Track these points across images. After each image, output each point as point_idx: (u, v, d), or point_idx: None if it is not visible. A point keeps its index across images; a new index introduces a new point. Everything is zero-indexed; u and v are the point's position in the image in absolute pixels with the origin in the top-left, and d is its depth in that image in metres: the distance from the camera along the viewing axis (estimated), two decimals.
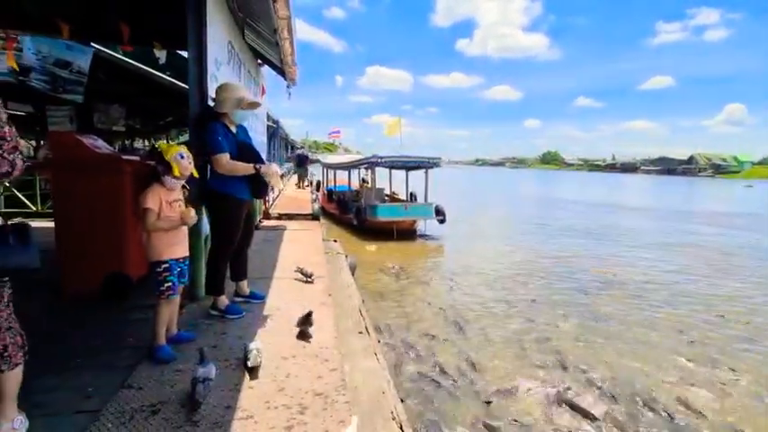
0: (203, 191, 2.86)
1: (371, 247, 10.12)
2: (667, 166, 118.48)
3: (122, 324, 2.62)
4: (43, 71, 6.15)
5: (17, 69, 5.79)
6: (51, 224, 3.28)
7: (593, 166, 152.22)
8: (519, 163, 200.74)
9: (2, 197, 6.65)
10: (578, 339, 5.07)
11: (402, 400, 2.58)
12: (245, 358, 2.11)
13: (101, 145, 3.24)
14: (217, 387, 1.91)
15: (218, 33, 3.26)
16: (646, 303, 6.60)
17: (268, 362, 2.19)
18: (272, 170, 2.83)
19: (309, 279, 3.76)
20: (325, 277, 3.93)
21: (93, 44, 5.61)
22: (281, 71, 5.77)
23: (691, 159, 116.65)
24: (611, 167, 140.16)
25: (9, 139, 1.27)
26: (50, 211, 6.07)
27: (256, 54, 5.43)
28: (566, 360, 4.50)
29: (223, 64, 3.40)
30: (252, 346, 2.17)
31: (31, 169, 6.40)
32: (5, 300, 1.48)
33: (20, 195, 6.64)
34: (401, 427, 2.08)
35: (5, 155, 1.26)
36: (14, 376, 1.50)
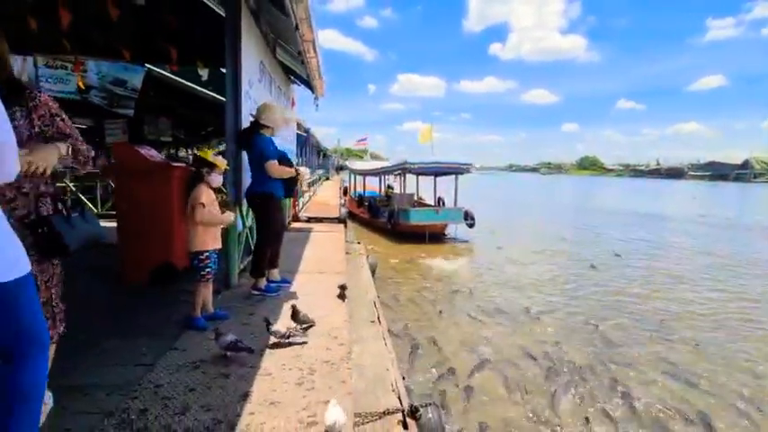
0: (247, 194, 3.52)
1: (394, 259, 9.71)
2: (718, 171, 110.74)
3: (169, 304, 3.13)
4: (102, 89, 7.02)
5: (83, 88, 6.66)
6: (110, 224, 3.86)
7: (635, 172, 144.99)
8: (555, 168, 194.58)
9: (69, 199, 7.57)
10: None
11: (403, 378, 2.90)
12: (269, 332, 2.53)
13: (154, 154, 3.81)
14: (245, 354, 2.33)
15: (251, 55, 3.75)
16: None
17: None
18: (304, 171, 3.74)
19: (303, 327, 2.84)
20: (343, 273, 4.32)
21: (146, 64, 6.35)
22: (309, 85, 6.28)
23: (745, 164, 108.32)
24: (656, 173, 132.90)
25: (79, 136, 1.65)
26: (109, 212, 6.88)
27: (287, 70, 5.97)
28: None
29: (255, 82, 3.89)
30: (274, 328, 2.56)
31: (95, 175, 7.25)
32: (54, 280, 1.61)
33: (83, 198, 7.53)
34: (399, 398, 2.41)
35: (84, 145, 1.65)
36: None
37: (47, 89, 6.10)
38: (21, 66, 5.94)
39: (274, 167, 3.37)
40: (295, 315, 2.73)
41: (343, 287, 3.56)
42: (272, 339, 2.50)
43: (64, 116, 1.64)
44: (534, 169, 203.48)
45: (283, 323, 2.68)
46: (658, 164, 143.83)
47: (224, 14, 3.46)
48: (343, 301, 3.43)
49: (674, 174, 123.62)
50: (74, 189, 7.73)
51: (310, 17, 3.51)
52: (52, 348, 1.61)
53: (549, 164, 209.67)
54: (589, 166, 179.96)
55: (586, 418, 3.49)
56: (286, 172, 3.49)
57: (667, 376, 4.27)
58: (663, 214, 21.63)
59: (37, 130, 1.54)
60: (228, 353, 2.25)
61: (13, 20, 4.28)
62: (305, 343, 2.54)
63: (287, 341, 2.49)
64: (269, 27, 4.63)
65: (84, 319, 2.70)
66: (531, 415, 3.56)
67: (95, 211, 7.41)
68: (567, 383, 4.03)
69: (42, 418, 1.40)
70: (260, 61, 4.19)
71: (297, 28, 3.47)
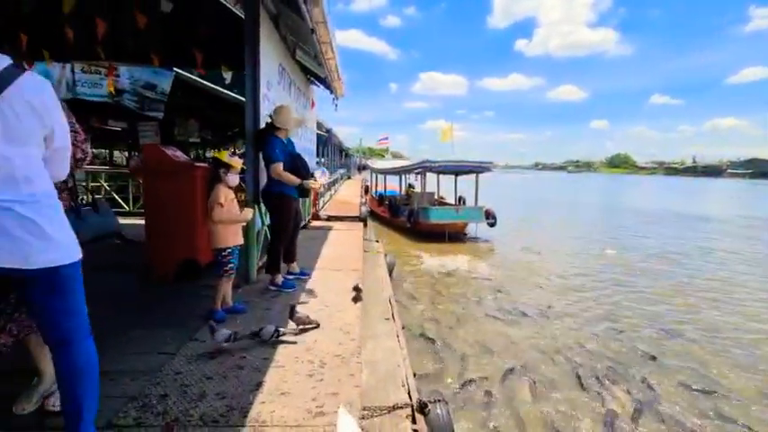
0: (262, 193, 3.62)
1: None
2: (760, 169, 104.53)
3: (192, 297, 3.28)
4: (134, 93, 7.37)
5: (114, 93, 7.01)
6: (141, 221, 4.07)
7: (669, 170, 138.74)
8: (583, 166, 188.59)
9: (104, 198, 8.00)
10: None
11: (414, 375, 2.94)
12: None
13: (179, 154, 3.99)
14: (258, 346, 2.43)
15: (270, 58, 3.87)
16: None
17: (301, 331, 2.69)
18: (311, 185, 3.71)
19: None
20: (360, 270, 4.39)
21: (174, 68, 6.63)
22: (329, 86, 6.39)
23: None
24: (692, 171, 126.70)
25: (80, 132, 1.75)
26: (139, 210, 7.23)
27: (306, 71, 6.10)
28: None
29: (274, 85, 4.01)
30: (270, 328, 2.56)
31: (128, 174, 7.63)
32: None
33: (116, 197, 7.94)
34: (409, 393, 2.45)
35: (80, 144, 1.73)
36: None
37: (83, 93, 6.48)
38: (60, 72, 6.33)
39: (278, 169, 3.43)
40: (292, 314, 2.69)
41: (357, 289, 3.57)
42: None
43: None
44: (561, 167, 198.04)
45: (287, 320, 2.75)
46: (694, 161, 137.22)
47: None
48: (356, 303, 3.40)
49: (712, 171, 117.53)
50: (108, 188, 8.15)
51: (327, 20, 3.60)
52: None
53: (578, 162, 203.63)
54: (620, 163, 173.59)
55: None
56: (290, 180, 3.49)
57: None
58: (700, 214, 20.63)
59: None
60: (226, 344, 2.34)
61: (53, 31, 4.58)
62: (294, 343, 2.54)
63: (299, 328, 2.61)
64: (288, 30, 4.75)
65: (113, 310, 2.89)
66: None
67: (127, 208, 7.81)
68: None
69: None
70: (279, 64, 4.31)
71: (313, 31, 3.56)
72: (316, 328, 2.75)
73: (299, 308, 2.82)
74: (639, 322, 5.84)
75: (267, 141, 3.47)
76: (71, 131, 1.58)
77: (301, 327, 2.70)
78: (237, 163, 2.96)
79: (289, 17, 4.28)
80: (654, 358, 4.72)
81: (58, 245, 1.33)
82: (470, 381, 4.12)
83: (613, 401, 3.84)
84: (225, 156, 2.92)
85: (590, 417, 3.61)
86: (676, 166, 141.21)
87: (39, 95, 1.31)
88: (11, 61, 1.29)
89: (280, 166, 3.44)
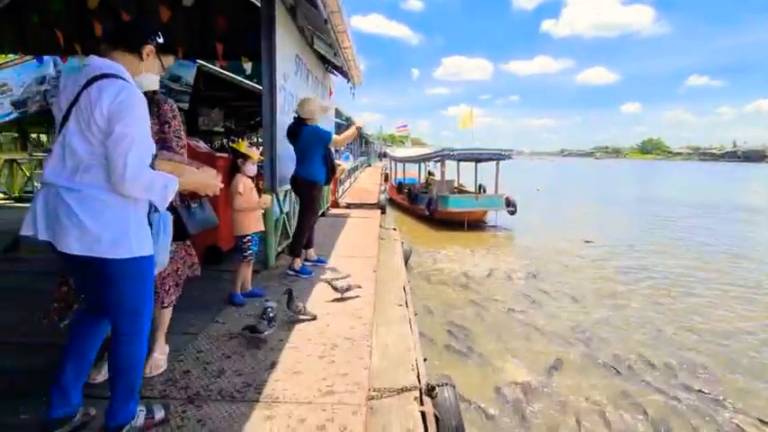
0: (292, 180, 3.86)
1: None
2: None
3: (215, 282, 3.46)
4: (162, 85, 7.61)
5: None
6: None
7: (705, 155, 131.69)
8: (612, 152, 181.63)
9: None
10: None
11: (425, 359, 3.02)
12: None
13: (201, 145, 4.15)
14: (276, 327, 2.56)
15: (286, 49, 3.95)
16: None
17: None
18: (343, 165, 4.18)
19: (342, 296, 3.20)
20: (374, 257, 4.48)
21: (197, 60, 6.80)
22: (345, 74, 6.42)
23: None
24: (730, 156, 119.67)
25: (183, 139, 2.06)
26: None
27: (325, 60, 6.14)
28: None
29: (291, 76, 4.09)
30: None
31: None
32: (181, 254, 2.12)
33: None
34: (418, 377, 2.54)
35: (179, 150, 2.03)
36: (167, 313, 2.12)
37: None
38: None
39: (338, 139, 3.94)
40: (289, 302, 2.70)
41: (347, 289, 3.24)
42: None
43: (171, 122, 2.04)
44: (589, 154, 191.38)
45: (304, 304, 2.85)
46: (735, 146, 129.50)
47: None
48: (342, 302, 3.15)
49: (753, 157, 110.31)
50: None
51: (341, 9, 3.62)
52: (170, 310, 2.13)
53: (607, 148, 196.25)
54: (652, 149, 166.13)
55: None
56: (349, 134, 4.01)
57: None
58: (737, 203, 19.56)
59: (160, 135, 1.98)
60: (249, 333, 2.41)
61: (83, 26, 4.79)
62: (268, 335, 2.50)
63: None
64: (306, 20, 4.80)
65: None
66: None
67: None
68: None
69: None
70: (296, 55, 4.37)
71: (326, 22, 3.59)
72: (312, 320, 2.73)
73: (301, 299, 2.91)
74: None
75: (306, 130, 3.69)
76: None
77: (301, 317, 2.70)
78: (255, 154, 3.06)
79: (305, 7, 4.33)
80: None
81: (97, 237, 1.37)
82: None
83: None
84: (243, 146, 3.04)
85: None
86: (714, 151, 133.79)
87: (109, 97, 1.38)
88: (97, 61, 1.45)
89: (335, 137, 3.86)
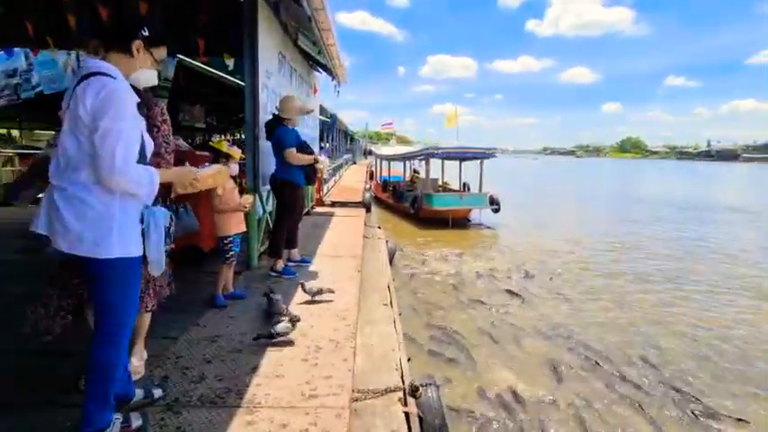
0: (271, 180, 3.78)
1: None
2: None
3: (195, 283, 3.39)
4: None
5: None
6: None
7: (681, 154, 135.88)
8: (593, 151, 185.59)
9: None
10: None
11: (408, 359, 3.03)
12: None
13: (181, 143, 4.06)
14: (257, 330, 2.52)
15: (269, 46, 3.88)
16: None
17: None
18: (323, 161, 3.97)
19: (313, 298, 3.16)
20: (358, 256, 4.47)
21: (178, 55, 6.63)
22: (330, 72, 6.36)
23: None
24: (705, 155, 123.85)
25: (172, 144, 2.01)
26: None
27: (309, 58, 6.07)
28: None
29: (273, 74, 4.02)
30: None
31: None
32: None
33: None
34: (402, 377, 2.55)
35: (167, 155, 2.02)
36: (147, 318, 2.05)
37: None
38: (65, 59, 6.37)
39: (292, 155, 3.61)
40: (270, 305, 2.69)
41: (318, 292, 3.17)
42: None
43: (161, 126, 2.02)
44: (570, 152, 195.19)
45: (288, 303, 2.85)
46: (709, 145, 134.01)
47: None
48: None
49: (727, 156, 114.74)
50: None
51: (326, 6, 3.57)
52: (149, 314, 2.10)
53: (587, 147, 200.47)
54: (631, 148, 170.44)
55: None
56: (304, 159, 3.72)
57: None
58: (708, 203, 20.29)
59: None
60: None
61: (56, 18, 4.60)
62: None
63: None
64: (290, 17, 4.73)
65: None
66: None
67: None
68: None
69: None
70: (279, 52, 4.31)
71: (310, 19, 3.55)
72: (297, 321, 2.59)
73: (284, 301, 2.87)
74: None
75: (278, 131, 3.62)
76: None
77: (281, 317, 2.58)
78: (236, 153, 3.01)
79: (289, 3, 4.26)
80: None
81: (78, 236, 1.40)
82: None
83: None
84: (224, 146, 2.98)
85: None
86: (689, 150, 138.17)
87: (92, 94, 1.39)
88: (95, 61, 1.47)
89: (293, 150, 3.63)
